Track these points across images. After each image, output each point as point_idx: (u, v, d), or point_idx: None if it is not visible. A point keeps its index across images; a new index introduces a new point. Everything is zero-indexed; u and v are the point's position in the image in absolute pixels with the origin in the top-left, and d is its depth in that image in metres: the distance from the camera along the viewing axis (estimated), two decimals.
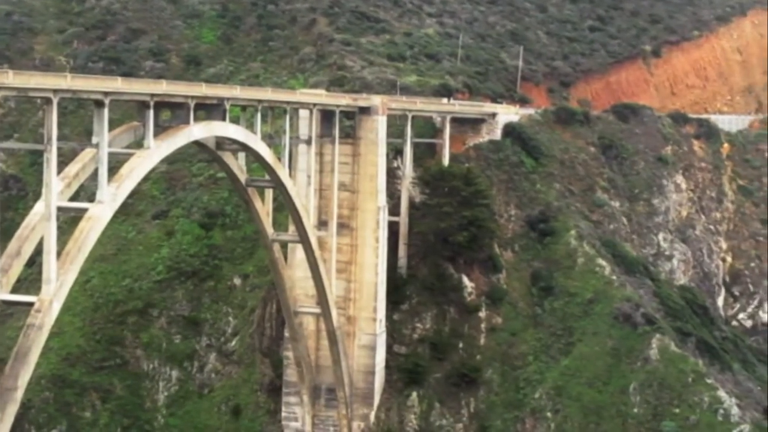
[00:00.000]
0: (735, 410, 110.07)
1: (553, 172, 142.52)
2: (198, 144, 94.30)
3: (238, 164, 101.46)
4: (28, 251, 74.33)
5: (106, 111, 76.42)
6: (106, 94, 76.38)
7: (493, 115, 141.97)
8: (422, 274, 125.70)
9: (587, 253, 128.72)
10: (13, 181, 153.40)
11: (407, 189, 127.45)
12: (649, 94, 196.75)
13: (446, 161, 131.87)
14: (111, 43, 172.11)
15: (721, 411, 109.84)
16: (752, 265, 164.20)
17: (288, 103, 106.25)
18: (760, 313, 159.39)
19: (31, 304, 70.55)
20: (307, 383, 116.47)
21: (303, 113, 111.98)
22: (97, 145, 77.11)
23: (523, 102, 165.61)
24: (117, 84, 78.83)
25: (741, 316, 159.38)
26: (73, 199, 78.88)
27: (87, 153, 78.84)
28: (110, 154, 78.17)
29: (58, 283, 71.30)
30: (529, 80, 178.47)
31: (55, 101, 70.79)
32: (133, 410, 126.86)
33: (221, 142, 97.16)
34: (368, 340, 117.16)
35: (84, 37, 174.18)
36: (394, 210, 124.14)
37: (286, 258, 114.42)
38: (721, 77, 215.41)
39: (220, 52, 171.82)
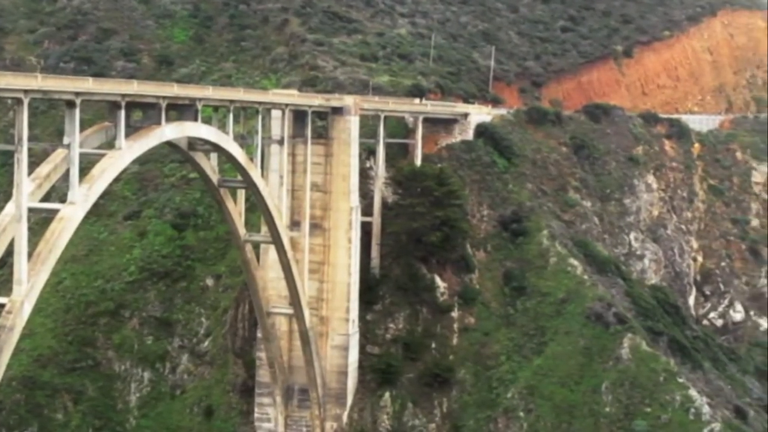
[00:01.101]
0: (706, 409, 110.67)
1: (525, 172, 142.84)
2: (170, 144, 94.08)
3: (210, 165, 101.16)
4: None
5: (77, 111, 76.04)
6: (77, 94, 76.00)
7: (466, 115, 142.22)
8: (395, 274, 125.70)
9: (559, 253, 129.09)
10: None
11: (380, 189, 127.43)
12: (620, 94, 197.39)
13: (419, 161, 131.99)
14: (82, 43, 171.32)
15: (693, 410, 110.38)
16: (723, 264, 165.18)
17: (260, 103, 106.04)
18: (731, 312, 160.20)
19: (2, 306, 70.11)
20: (279, 384, 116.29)
21: (275, 113, 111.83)
22: (68, 146, 76.70)
23: (495, 102, 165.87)
24: (88, 84, 78.48)
25: (712, 315, 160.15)
26: (44, 199, 78.42)
27: (58, 153, 78.37)
28: (82, 155, 77.80)
29: (29, 285, 70.91)
30: (501, 80, 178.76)
31: (25, 101, 70.40)
32: (105, 411, 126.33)
33: (193, 143, 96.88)
34: (341, 340, 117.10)
35: (55, 37, 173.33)
36: (366, 210, 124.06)
37: (258, 259, 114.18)
38: (691, 77, 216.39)
39: (192, 52, 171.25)
